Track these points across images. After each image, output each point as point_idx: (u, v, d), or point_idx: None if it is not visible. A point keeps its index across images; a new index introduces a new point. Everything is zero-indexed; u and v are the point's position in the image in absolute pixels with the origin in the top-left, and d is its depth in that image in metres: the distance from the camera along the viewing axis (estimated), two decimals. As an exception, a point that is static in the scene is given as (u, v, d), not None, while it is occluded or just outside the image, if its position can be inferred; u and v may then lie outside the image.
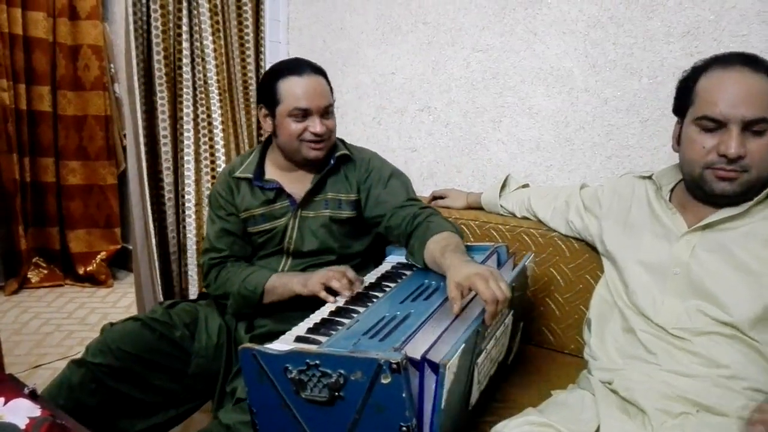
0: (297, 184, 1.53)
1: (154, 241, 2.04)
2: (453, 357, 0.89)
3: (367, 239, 1.59)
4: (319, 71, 1.49)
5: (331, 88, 1.51)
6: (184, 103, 2.02)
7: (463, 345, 0.93)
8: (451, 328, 1.02)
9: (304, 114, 1.43)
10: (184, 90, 2.01)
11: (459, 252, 1.21)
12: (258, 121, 2.30)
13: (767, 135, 1.04)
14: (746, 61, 1.07)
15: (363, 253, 1.59)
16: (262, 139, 2.32)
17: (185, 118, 2.03)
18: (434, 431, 0.91)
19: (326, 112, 1.47)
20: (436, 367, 0.89)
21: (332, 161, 1.52)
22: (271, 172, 1.55)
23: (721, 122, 1.05)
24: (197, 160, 2.06)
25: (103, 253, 3.45)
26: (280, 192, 1.53)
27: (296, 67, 1.46)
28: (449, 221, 1.42)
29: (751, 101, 1.03)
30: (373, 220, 1.52)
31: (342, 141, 1.61)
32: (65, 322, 2.82)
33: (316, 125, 1.43)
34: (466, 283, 1.05)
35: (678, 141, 1.18)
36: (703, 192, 1.12)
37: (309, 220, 1.52)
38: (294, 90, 1.43)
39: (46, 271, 3.36)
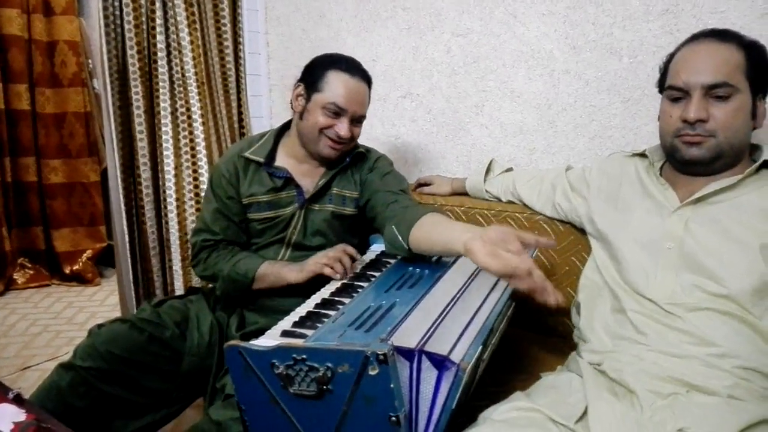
0: (307, 177, 1.53)
1: (128, 238, 2.03)
2: (472, 359, 0.88)
3: (361, 233, 1.61)
4: (368, 81, 1.50)
5: (369, 101, 1.52)
6: (161, 97, 1.99)
7: (481, 347, 0.93)
8: (445, 318, 1.02)
9: (338, 113, 1.43)
10: (161, 84, 1.98)
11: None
12: (239, 113, 2.28)
13: (732, 100, 1.08)
14: (714, 33, 1.13)
15: (356, 246, 1.58)
16: (245, 131, 2.30)
17: (162, 113, 2.00)
18: (440, 427, 0.91)
19: (357, 120, 1.48)
20: (438, 361, 0.88)
21: (348, 159, 1.54)
22: (282, 160, 1.54)
23: (684, 90, 1.12)
24: (177, 155, 2.04)
25: (89, 252, 3.43)
26: (288, 181, 1.51)
27: (351, 66, 1.46)
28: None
29: (711, 67, 1.09)
30: (365, 209, 1.53)
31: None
32: (53, 322, 2.80)
33: (343, 127, 1.43)
34: (505, 233, 1.02)
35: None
36: (676, 161, 1.18)
37: (313, 213, 1.52)
38: (339, 86, 1.42)
39: (31, 272, 3.34)
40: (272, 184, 1.51)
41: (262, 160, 1.50)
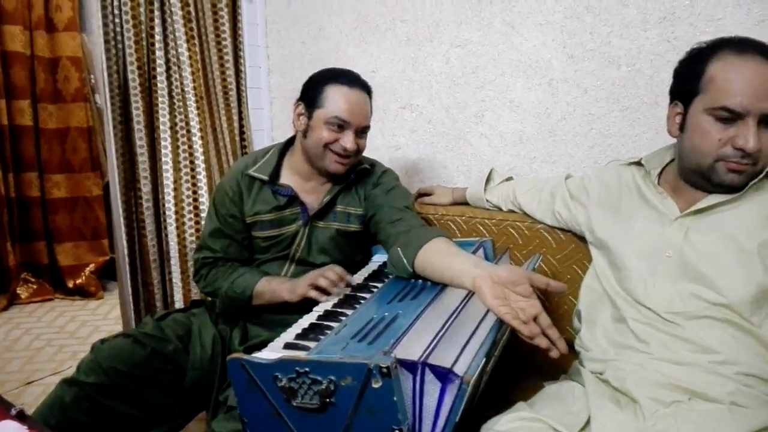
0: (311, 194, 1.52)
1: (128, 251, 2.03)
2: (476, 371, 0.88)
3: (366, 249, 1.61)
4: (368, 91, 1.48)
5: (371, 112, 1.51)
6: (160, 111, 2.00)
7: (484, 359, 0.93)
8: (448, 329, 1.01)
9: (341, 126, 1.42)
10: (160, 99, 2.00)
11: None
12: (240, 127, 2.29)
13: None
14: (761, 50, 1.04)
15: (361, 262, 1.58)
16: (246, 144, 2.31)
17: (162, 127, 2.01)
18: None
19: (362, 131, 1.46)
20: (441, 374, 0.88)
21: (353, 176, 1.53)
22: (287, 177, 1.53)
23: (739, 114, 1.02)
24: (176, 169, 2.05)
25: (92, 265, 3.43)
26: (292, 199, 1.50)
27: (350, 78, 1.45)
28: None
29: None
30: (369, 222, 1.53)
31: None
32: (56, 336, 2.80)
33: (348, 141, 1.42)
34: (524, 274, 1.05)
35: (680, 127, 1.14)
36: (708, 182, 1.10)
37: (318, 230, 1.52)
38: (340, 100, 1.41)
39: (35, 286, 3.34)
40: (276, 202, 1.50)
41: (266, 178, 1.49)
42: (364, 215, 1.54)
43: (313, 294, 1.30)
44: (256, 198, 1.51)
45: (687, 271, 1.10)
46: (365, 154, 1.60)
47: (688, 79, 1.11)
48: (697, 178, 1.12)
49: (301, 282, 1.35)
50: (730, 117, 1.04)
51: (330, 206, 1.53)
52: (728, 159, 1.05)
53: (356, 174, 1.54)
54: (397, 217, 1.44)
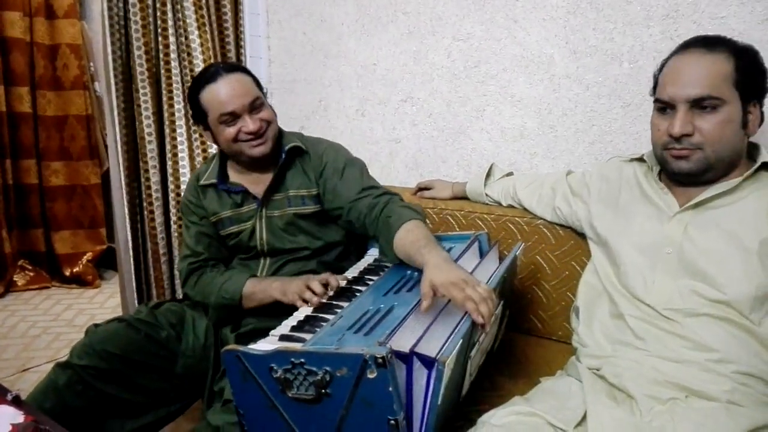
0: (259, 185, 1.52)
1: (132, 243, 2.02)
2: (452, 353, 0.88)
3: (341, 228, 1.56)
4: (234, 69, 1.46)
5: (256, 80, 1.49)
6: (175, 99, 2.00)
7: (461, 341, 0.93)
8: (438, 320, 1.02)
9: (233, 116, 1.41)
10: (174, 86, 1.99)
11: (432, 246, 1.20)
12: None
13: (719, 112, 1.07)
14: (703, 42, 1.11)
15: (341, 242, 1.56)
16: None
17: (177, 114, 2.01)
18: (429, 426, 0.91)
19: (255, 107, 1.43)
20: (428, 362, 0.89)
21: (283, 155, 1.50)
22: (234, 176, 1.55)
23: (668, 103, 1.11)
24: (191, 157, 2.04)
25: (90, 254, 3.42)
26: (246, 195, 1.52)
27: (210, 74, 1.43)
28: (409, 207, 1.39)
29: (696, 80, 1.07)
30: (333, 213, 1.50)
31: (298, 134, 1.59)
32: (53, 324, 2.80)
33: (247, 124, 1.41)
34: (442, 289, 1.05)
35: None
36: (667, 172, 1.18)
37: (275, 219, 1.51)
38: (214, 97, 1.41)
39: (32, 274, 3.33)
40: (231, 201, 1.52)
41: (215, 180, 1.52)
42: (317, 195, 1.51)
43: (300, 305, 1.29)
44: (213, 201, 1.54)
45: (687, 267, 1.10)
46: (362, 144, 1.58)
47: (655, 78, 1.20)
48: (664, 171, 1.20)
49: (292, 287, 1.35)
50: (665, 108, 1.13)
51: (278, 192, 1.51)
52: (668, 147, 1.12)
53: (287, 154, 1.50)
54: (365, 210, 1.42)
